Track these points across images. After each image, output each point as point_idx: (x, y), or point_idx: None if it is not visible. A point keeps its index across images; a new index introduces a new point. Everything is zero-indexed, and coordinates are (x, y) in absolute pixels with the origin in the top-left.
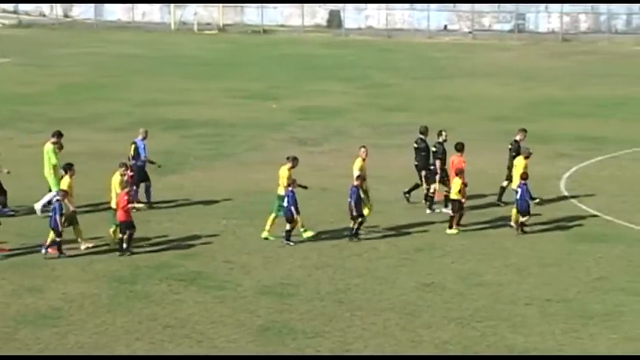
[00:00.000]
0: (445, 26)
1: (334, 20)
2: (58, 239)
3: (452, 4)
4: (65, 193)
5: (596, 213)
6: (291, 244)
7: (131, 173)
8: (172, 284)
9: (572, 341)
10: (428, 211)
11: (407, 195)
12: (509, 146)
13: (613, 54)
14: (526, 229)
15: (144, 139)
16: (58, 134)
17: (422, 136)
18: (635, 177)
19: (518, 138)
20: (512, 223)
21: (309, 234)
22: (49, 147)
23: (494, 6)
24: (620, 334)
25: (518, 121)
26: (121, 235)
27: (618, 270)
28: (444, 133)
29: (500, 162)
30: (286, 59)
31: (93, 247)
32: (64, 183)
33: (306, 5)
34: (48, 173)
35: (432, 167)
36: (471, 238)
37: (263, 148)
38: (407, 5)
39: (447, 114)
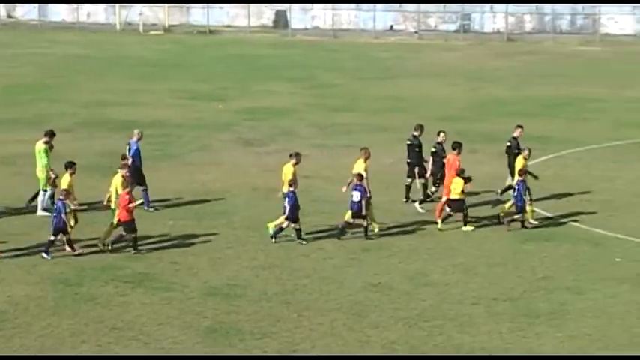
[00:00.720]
0: (391, 26)
1: (280, 21)
2: (51, 238)
3: (398, 5)
4: (68, 193)
5: (541, 212)
6: (304, 242)
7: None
8: (119, 286)
9: (519, 340)
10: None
11: (428, 197)
12: (508, 144)
13: (557, 54)
14: (510, 227)
15: (138, 140)
16: (51, 134)
17: (415, 133)
18: (578, 176)
19: (515, 135)
20: (501, 214)
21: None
22: (40, 146)
23: (440, 6)
24: (566, 333)
25: (465, 121)
26: (122, 233)
27: (563, 269)
28: (442, 134)
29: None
30: (232, 60)
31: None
32: (65, 182)
33: (252, 6)
34: (40, 172)
35: (425, 163)
36: (419, 237)
37: (209, 148)
38: (353, 5)
39: (393, 114)
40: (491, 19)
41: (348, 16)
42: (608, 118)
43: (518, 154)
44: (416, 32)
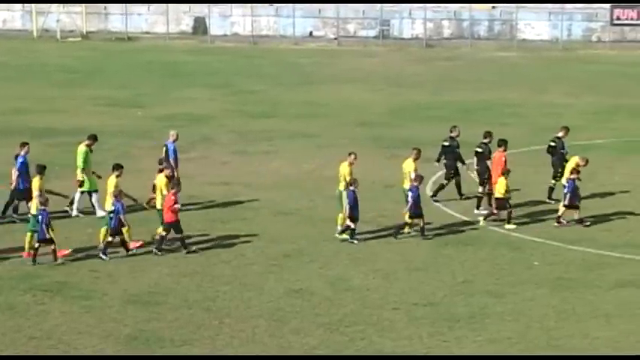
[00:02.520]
0: (310, 32)
1: (200, 27)
2: (109, 239)
3: (317, 11)
4: (121, 193)
5: (461, 217)
6: (355, 242)
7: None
8: (37, 295)
9: (439, 344)
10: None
11: (462, 196)
12: (553, 144)
13: (475, 59)
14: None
15: (174, 141)
16: (94, 138)
17: (452, 134)
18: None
19: (560, 135)
20: (562, 220)
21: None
22: (81, 149)
23: (359, 12)
24: (485, 336)
25: (385, 126)
26: (163, 234)
27: (483, 273)
28: (491, 134)
29: (370, 168)
30: (151, 66)
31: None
32: (111, 183)
33: (171, 12)
34: (80, 174)
35: (477, 168)
36: (339, 243)
37: (129, 156)
38: (272, 11)
39: (314, 120)
40: (410, 25)
41: (267, 23)
42: (526, 123)
43: (563, 154)
44: (335, 38)
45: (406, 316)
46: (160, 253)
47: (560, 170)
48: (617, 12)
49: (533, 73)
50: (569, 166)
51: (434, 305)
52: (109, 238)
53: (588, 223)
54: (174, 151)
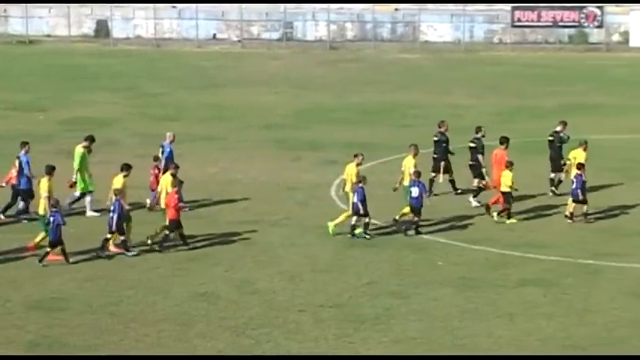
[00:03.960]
0: (214, 35)
1: (102, 30)
2: (122, 238)
3: (220, 13)
4: (122, 192)
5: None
6: (368, 237)
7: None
8: None
9: (345, 345)
10: (474, 203)
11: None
12: (551, 137)
13: (379, 61)
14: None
15: (171, 142)
16: (92, 139)
17: (441, 130)
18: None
19: (559, 129)
20: (567, 213)
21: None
22: (78, 150)
23: (263, 14)
24: (391, 337)
25: (289, 128)
26: (167, 232)
27: (387, 274)
28: (482, 129)
29: (274, 170)
30: (53, 70)
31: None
32: (119, 182)
33: (72, 15)
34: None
35: (472, 163)
36: (244, 246)
37: (30, 160)
38: (175, 14)
39: (218, 123)
40: (314, 28)
41: (170, 25)
42: (430, 124)
43: (560, 147)
44: (239, 41)
45: (312, 317)
46: (187, 247)
47: (560, 164)
48: (518, 14)
49: (436, 74)
50: (577, 161)
51: (339, 307)
52: (108, 236)
53: (592, 220)
54: (170, 152)
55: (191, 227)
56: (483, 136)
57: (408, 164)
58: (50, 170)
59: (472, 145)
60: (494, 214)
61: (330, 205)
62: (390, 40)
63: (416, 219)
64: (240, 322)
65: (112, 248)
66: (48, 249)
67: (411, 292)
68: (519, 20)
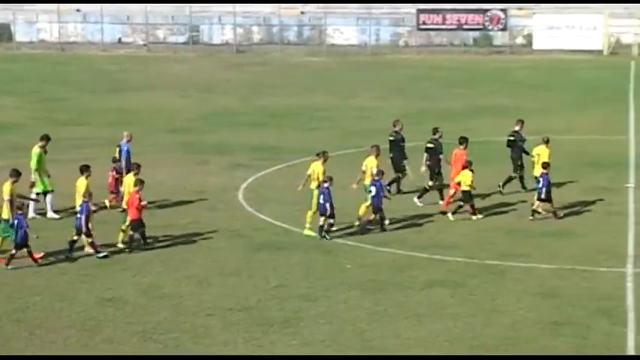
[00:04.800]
0: (119, 39)
1: (4, 34)
2: (90, 240)
3: (125, 17)
4: (90, 194)
5: (273, 222)
6: (328, 238)
7: (117, 175)
8: None
9: (255, 349)
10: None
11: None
12: (512, 137)
13: (286, 65)
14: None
15: (128, 141)
16: (47, 138)
17: (396, 129)
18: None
19: (517, 128)
20: (535, 208)
21: (310, 233)
22: (35, 150)
23: (169, 18)
24: (299, 340)
25: (196, 132)
26: (131, 233)
27: (296, 277)
28: (439, 130)
29: (181, 174)
30: None
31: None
32: (82, 184)
33: None
34: (34, 175)
35: (429, 163)
36: (152, 250)
37: None
38: (79, 18)
39: (124, 127)
40: (220, 31)
41: (74, 29)
42: (337, 127)
43: (522, 146)
44: (145, 44)
45: (220, 321)
46: (145, 246)
47: (519, 163)
48: (423, 17)
49: (342, 77)
50: (541, 159)
51: (248, 310)
52: (75, 237)
53: (562, 215)
54: (128, 152)
55: (98, 232)
56: (441, 137)
57: (370, 164)
58: (13, 174)
59: (430, 145)
60: (450, 214)
61: (237, 209)
62: (297, 43)
63: (372, 217)
64: (148, 327)
65: (88, 249)
66: (13, 251)
67: (319, 295)
68: (425, 23)
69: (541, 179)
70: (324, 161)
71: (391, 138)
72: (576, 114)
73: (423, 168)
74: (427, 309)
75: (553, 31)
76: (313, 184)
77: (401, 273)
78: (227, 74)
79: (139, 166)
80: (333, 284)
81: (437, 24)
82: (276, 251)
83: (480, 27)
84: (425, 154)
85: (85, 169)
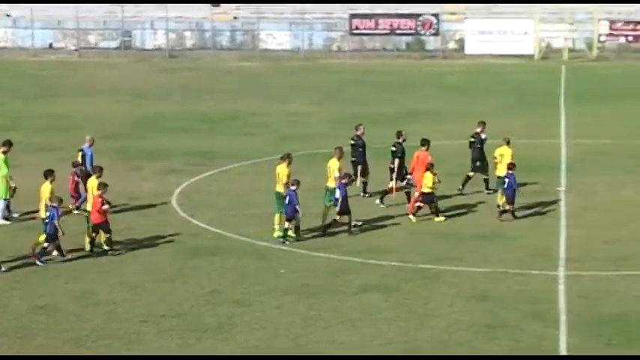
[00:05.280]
0: (50, 44)
1: None
2: (46, 244)
3: (57, 22)
4: (60, 199)
5: (207, 227)
6: (287, 243)
7: (77, 179)
8: None
9: (189, 356)
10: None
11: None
12: (472, 139)
13: (219, 70)
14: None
15: (91, 145)
16: (9, 143)
17: (357, 133)
18: (243, 190)
19: (478, 130)
20: (502, 208)
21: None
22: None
23: (100, 23)
24: (233, 346)
25: (129, 138)
26: (94, 236)
27: (230, 282)
28: (403, 133)
29: (114, 180)
30: None
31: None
32: (47, 189)
33: None
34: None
35: (391, 166)
36: (86, 257)
37: None
38: (9, 22)
39: (55, 133)
40: (153, 36)
41: (4, 34)
42: (270, 132)
43: (481, 147)
44: (76, 50)
45: (154, 328)
46: (111, 251)
47: (478, 163)
48: (356, 22)
49: (276, 82)
50: (505, 159)
51: (182, 316)
52: (45, 244)
53: (519, 216)
54: (91, 156)
55: (31, 239)
56: (404, 140)
57: (333, 166)
58: (49, 174)
59: (393, 149)
60: (412, 216)
61: (171, 214)
62: (230, 48)
63: (336, 218)
64: (82, 334)
65: (56, 252)
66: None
67: (253, 301)
68: (357, 28)
69: (507, 179)
70: (289, 164)
71: (352, 142)
72: (508, 118)
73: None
74: (361, 313)
75: (484, 36)
76: (278, 187)
77: (335, 278)
78: (160, 79)
79: (101, 169)
80: (267, 289)
81: (370, 29)
82: (210, 257)
83: (413, 32)
84: (391, 158)
85: (49, 174)
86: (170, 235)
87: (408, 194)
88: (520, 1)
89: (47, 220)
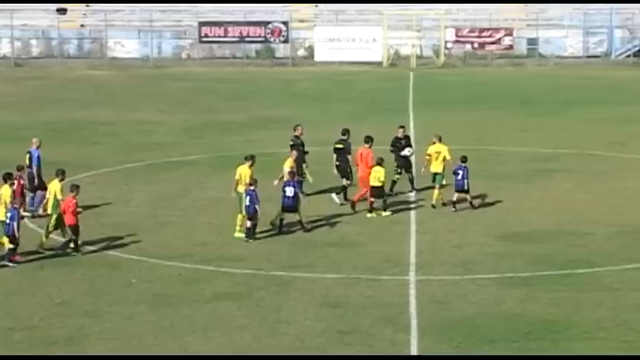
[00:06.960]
0: None
1: None
2: (12, 246)
3: None
4: (22, 201)
5: (56, 238)
6: (250, 241)
7: (23, 182)
8: None
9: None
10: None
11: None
12: (340, 145)
13: (67, 78)
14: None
15: (38, 147)
16: None
17: (296, 134)
18: (92, 200)
19: (399, 135)
20: (455, 200)
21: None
22: None
23: None
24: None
25: None
26: (73, 237)
27: (81, 293)
28: (349, 131)
29: None
30: None
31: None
32: (7, 192)
33: None
34: None
35: (338, 164)
36: None
37: None
38: None
39: None
40: None
41: None
42: (120, 141)
43: (403, 149)
44: None
45: (2, 341)
46: (75, 253)
47: (397, 165)
48: (205, 29)
49: (125, 91)
50: (442, 156)
51: (30, 329)
52: (11, 246)
53: (476, 206)
54: (38, 158)
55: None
56: (349, 138)
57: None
58: (59, 173)
59: (339, 146)
60: (368, 214)
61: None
62: (78, 56)
63: (290, 217)
64: None
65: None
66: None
67: (104, 311)
68: (207, 36)
69: (460, 171)
70: (252, 165)
71: (291, 143)
72: (357, 124)
73: (335, 171)
74: (214, 322)
75: (334, 43)
76: (240, 188)
77: (187, 287)
78: (6, 88)
79: (63, 172)
80: (118, 299)
81: (219, 36)
82: (60, 267)
83: (262, 39)
84: (334, 155)
85: (8, 177)
86: (18, 247)
87: (345, 190)
88: (368, 1)
89: (8, 222)
